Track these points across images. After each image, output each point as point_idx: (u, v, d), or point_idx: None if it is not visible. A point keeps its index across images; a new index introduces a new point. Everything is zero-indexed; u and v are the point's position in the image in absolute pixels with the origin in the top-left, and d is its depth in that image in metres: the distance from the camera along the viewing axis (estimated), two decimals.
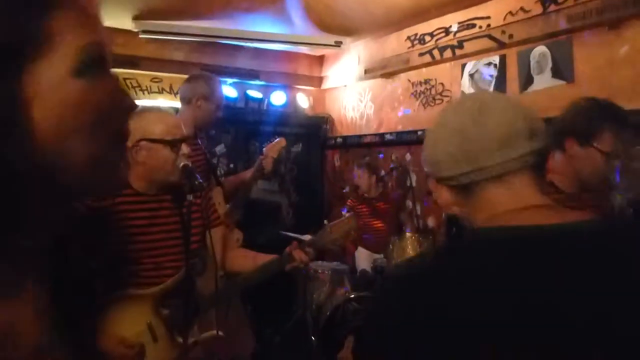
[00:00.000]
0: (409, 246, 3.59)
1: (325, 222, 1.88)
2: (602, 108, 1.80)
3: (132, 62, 4.69)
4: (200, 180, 1.77)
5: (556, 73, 3.71)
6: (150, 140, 1.85)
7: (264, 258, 2.02)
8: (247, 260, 2.06)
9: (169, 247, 1.90)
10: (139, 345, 1.83)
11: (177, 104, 4.90)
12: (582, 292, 0.72)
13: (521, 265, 0.75)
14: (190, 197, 1.78)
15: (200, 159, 3.10)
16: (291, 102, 5.75)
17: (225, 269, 2.09)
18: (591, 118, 1.77)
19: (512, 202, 0.87)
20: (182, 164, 1.86)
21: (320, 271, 4.12)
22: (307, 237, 3.80)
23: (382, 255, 4.12)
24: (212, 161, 3.45)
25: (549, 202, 0.89)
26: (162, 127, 1.88)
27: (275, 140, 3.30)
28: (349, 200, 4.52)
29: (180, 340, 1.80)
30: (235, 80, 5.36)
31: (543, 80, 3.80)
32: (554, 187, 1.88)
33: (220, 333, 1.88)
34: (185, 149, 1.87)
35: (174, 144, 1.86)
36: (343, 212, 4.52)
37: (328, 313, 3.59)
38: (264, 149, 3.29)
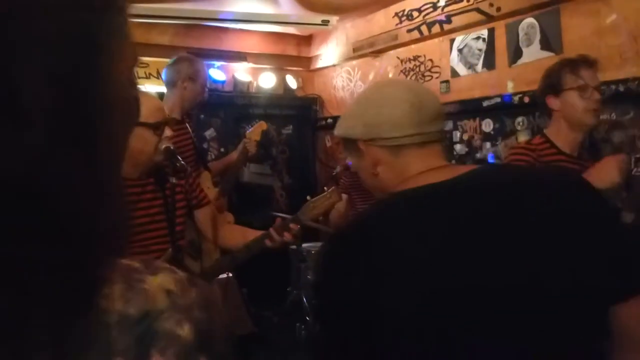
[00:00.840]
0: None
1: (308, 197, 1.87)
2: (558, 62, 2.14)
3: None
4: (182, 162, 1.75)
5: (545, 45, 3.69)
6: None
7: (253, 234, 2.02)
8: (237, 235, 2.07)
9: (154, 230, 1.89)
10: None
11: (165, 88, 4.89)
12: (473, 231, 0.89)
13: (425, 214, 0.93)
14: (173, 179, 1.76)
15: (187, 143, 3.08)
16: (280, 84, 5.69)
17: (216, 246, 2.10)
18: (552, 71, 2.08)
19: (423, 165, 1.06)
20: (164, 146, 1.84)
21: (313, 251, 4.13)
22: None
23: None
24: (200, 145, 3.47)
25: (450, 164, 1.09)
26: (145, 110, 1.85)
27: (256, 124, 3.39)
28: (342, 180, 4.50)
29: None
30: (222, 63, 5.29)
31: (532, 53, 3.77)
32: (562, 154, 2.07)
33: None
34: (168, 132, 1.85)
35: (157, 127, 1.84)
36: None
37: None
38: (246, 132, 3.37)
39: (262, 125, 3.40)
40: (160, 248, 1.87)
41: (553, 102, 2.07)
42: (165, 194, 1.77)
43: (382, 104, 1.09)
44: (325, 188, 2.20)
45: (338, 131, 1.18)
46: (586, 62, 2.02)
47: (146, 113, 1.83)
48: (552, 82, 2.04)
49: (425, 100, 1.08)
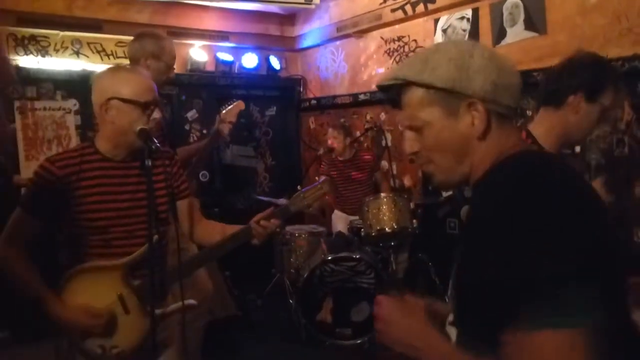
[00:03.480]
0: (384, 205, 3.58)
1: (299, 187, 1.84)
2: (608, 66, 1.81)
3: (95, 25, 4.50)
4: (157, 144, 1.70)
5: (529, 25, 3.65)
6: (122, 100, 1.76)
7: (232, 230, 1.96)
8: (215, 233, 2.00)
9: (139, 215, 1.84)
10: (108, 315, 1.78)
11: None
12: None
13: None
14: (148, 162, 1.71)
15: (154, 124, 2.93)
16: (263, 64, 5.60)
17: (193, 241, 2.03)
18: (600, 75, 1.75)
19: (516, 140, 1.04)
20: (139, 128, 1.77)
21: (297, 234, 4.11)
22: (282, 201, 3.80)
23: (357, 217, 4.12)
24: (170, 128, 3.12)
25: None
26: (135, 88, 1.78)
27: (233, 104, 3.04)
28: (322, 164, 4.47)
29: (151, 310, 1.76)
30: (204, 42, 5.18)
31: (516, 33, 3.74)
32: (536, 144, 1.78)
33: (192, 301, 1.84)
34: (157, 113, 1.78)
35: (146, 107, 1.77)
36: (321, 178, 4.49)
37: (305, 275, 3.59)
38: (220, 114, 3.04)
39: (239, 105, 3.04)
40: (146, 234, 1.82)
41: (579, 104, 1.75)
42: (150, 179, 1.71)
43: (507, 68, 1.00)
44: (317, 178, 2.16)
45: (434, 77, 0.98)
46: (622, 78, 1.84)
47: (137, 91, 1.76)
48: (594, 87, 1.74)
49: (513, 71, 1.03)
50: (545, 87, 1.85)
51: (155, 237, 1.75)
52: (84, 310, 1.77)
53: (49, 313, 1.76)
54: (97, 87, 1.80)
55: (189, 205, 2.04)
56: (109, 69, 1.86)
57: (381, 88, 1.09)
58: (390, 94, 1.08)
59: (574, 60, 1.80)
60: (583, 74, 1.74)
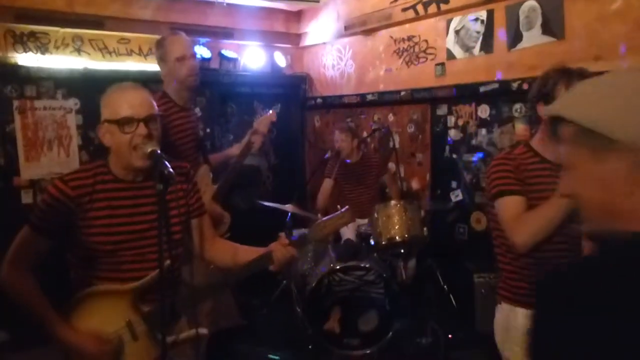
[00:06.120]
0: (395, 215, 3.49)
1: (319, 215, 1.75)
2: (556, 70, 1.93)
3: (97, 22, 4.36)
4: (170, 169, 1.60)
5: (546, 29, 3.54)
6: (107, 122, 1.72)
7: (244, 252, 1.88)
8: (227, 255, 1.92)
9: (151, 237, 1.76)
10: (115, 342, 1.71)
11: (148, 66, 4.66)
12: None
13: None
14: (160, 187, 1.61)
15: (189, 133, 2.82)
16: (268, 62, 5.47)
17: (204, 260, 1.95)
18: (547, 78, 1.91)
19: None
20: (149, 150, 1.68)
21: None
22: (288, 207, 3.70)
23: (366, 221, 4.03)
24: (201, 136, 3.10)
25: None
26: (123, 107, 1.70)
27: (266, 114, 3.02)
28: (329, 168, 4.37)
29: (161, 338, 1.68)
30: (208, 39, 5.05)
31: (532, 37, 3.63)
32: (546, 162, 1.96)
33: (204, 331, 1.76)
34: (142, 129, 1.68)
35: (120, 123, 1.68)
36: (325, 180, 4.39)
37: (313, 284, 3.51)
38: (254, 123, 3.03)
39: (271, 116, 3.00)
40: (157, 257, 1.73)
41: (542, 110, 1.93)
42: (165, 200, 1.62)
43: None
44: (338, 207, 2.06)
45: (581, 114, 0.87)
46: (583, 76, 1.86)
47: (124, 109, 1.69)
48: (546, 91, 1.89)
49: None
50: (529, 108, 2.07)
51: (167, 262, 1.67)
52: (91, 336, 1.71)
53: (55, 337, 1.69)
54: None
55: (201, 223, 1.96)
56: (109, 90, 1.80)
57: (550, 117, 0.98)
58: (557, 127, 0.95)
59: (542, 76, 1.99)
60: (537, 86, 1.94)
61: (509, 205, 1.90)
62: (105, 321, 1.73)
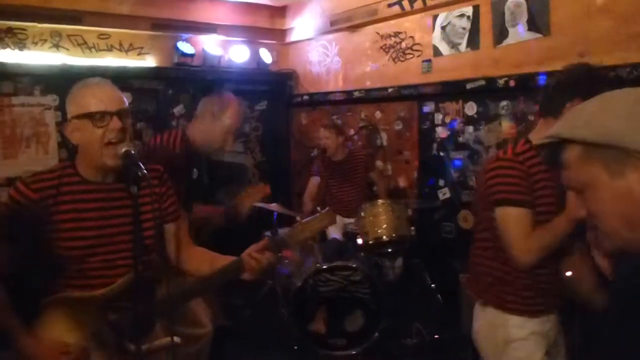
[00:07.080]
0: (382, 214, 3.45)
1: (298, 218, 1.68)
2: (600, 72, 1.86)
3: (75, 17, 4.24)
4: (144, 170, 1.53)
5: (532, 25, 3.51)
6: (76, 117, 1.62)
7: (222, 261, 1.80)
8: (204, 264, 1.84)
9: (121, 242, 1.68)
10: (79, 352, 1.63)
11: (129, 62, 4.57)
12: None
13: None
14: (134, 189, 1.54)
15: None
16: (253, 58, 5.39)
17: (178, 268, 1.86)
18: (593, 80, 1.75)
19: None
20: (123, 150, 1.60)
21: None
22: (274, 206, 3.64)
23: (352, 220, 3.98)
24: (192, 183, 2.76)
25: None
26: (93, 101, 1.61)
27: (260, 185, 2.86)
28: (315, 166, 4.31)
29: (132, 347, 1.60)
30: (190, 35, 4.95)
31: (518, 33, 3.59)
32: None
33: (177, 339, 1.68)
34: (115, 123, 1.59)
35: (93, 117, 1.59)
36: (312, 178, 4.33)
37: (299, 284, 3.45)
38: (247, 190, 2.83)
39: (264, 189, 2.81)
40: (127, 263, 1.66)
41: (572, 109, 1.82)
42: (136, 204, 1.54)
43: None
44: (318, 208, 2.00)
45: (589, 131, 0.85)
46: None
47: (93, 103, 1.60)
48: (589, 92, 1.78)
49: None
50: (544, 98, 1.88)
51: (139, 268, 1.60)
52: (53, 346, 1.62)
53: (16, 346, 1.61)
54: None
55: (176, 229, 1.88)
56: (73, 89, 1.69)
57: (542, 146, 0.97)
58: (554, 155, 0.95)
59: (569, 71, 1.86)
60: (577, 82, 1.76)
61: (517, 220, 1.76)
62: (71, 330, 1.65)
